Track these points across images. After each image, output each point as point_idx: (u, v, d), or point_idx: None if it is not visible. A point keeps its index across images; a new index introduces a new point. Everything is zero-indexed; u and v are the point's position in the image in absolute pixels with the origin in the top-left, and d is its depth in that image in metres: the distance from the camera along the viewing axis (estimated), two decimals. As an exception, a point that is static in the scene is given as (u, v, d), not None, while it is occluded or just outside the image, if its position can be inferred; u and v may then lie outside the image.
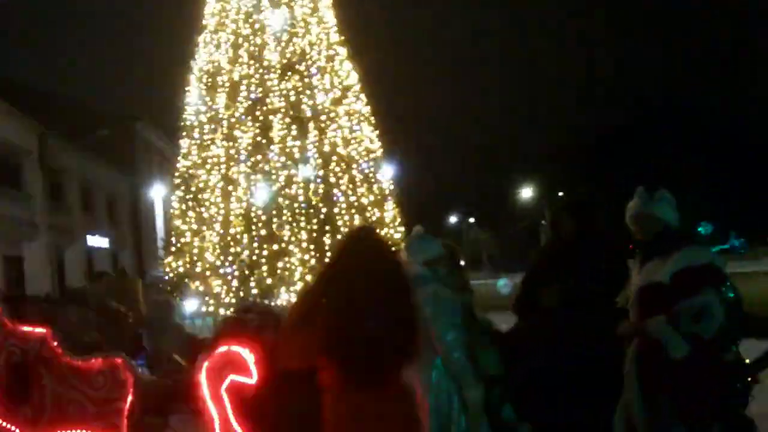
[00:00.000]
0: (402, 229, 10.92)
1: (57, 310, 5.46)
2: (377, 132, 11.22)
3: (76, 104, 27.26)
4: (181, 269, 9.83)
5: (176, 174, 10.43)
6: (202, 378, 4.16)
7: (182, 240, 9.94)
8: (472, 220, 59.84)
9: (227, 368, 4.14)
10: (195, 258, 9.72)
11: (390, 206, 10.81)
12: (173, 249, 10.13)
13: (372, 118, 11.22)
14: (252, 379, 4.07)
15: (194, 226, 9.85)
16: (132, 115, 29.79)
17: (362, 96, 11.15)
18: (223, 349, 4.16)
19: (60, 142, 23.81)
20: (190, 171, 10.12)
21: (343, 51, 10.97)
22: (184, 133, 10.46)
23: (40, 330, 5.04)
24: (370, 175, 10.52)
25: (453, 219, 59.43)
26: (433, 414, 3.51)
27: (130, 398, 4.58)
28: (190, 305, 9.34)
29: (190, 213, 9.91)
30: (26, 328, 5.08)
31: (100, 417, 4.69)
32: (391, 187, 11.07)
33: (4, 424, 5.17)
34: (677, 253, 3.15)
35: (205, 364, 4.24)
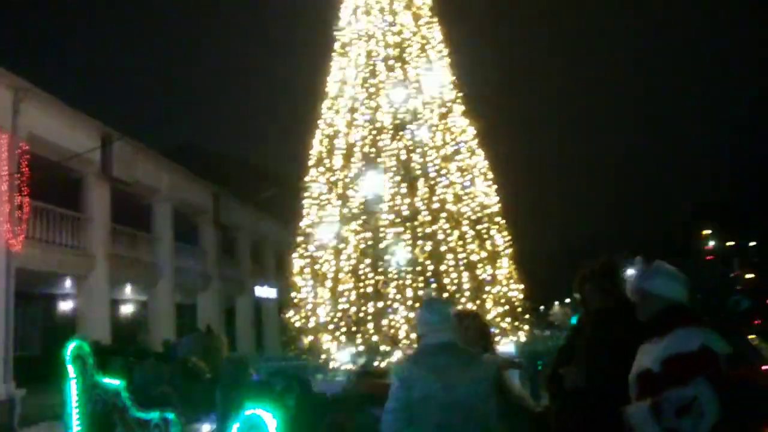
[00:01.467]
0: (517, 286, 10.49)
1: (136, 364, 5.98)
2: (494, 187, 11.01)
3: (246, 164, 29.98)
4: (297, 324, 10.25)
5: (298, 232, 11.00)
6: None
7: (299, 296, 10.39)
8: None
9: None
10: (309, 313, 10.09)
11: (505, 263, 10.44)
12: (293, 303, 10.61)
13: (488, 173, 11.06)
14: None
15: (309, 282, 10.26)
16: (295, 173, 31.98)
17: (478, 151, 11.06)
18: (251, 412, 4.33)
19: (232, 201, 26.24)
20: (309, 229, 10.62)
21: (458, 108, 11.01)
22: (307, 193, 11.05)
23: (117, 382, 5.58)
24: (483, 231, 10.29)
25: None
26: None
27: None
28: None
29: (307, 269, 10.36)
30: (107, 380, 5.65)
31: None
32: (507, 243, 10.72)
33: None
34: (669, 336, 2.70)
35: (236, 425, 4.42)
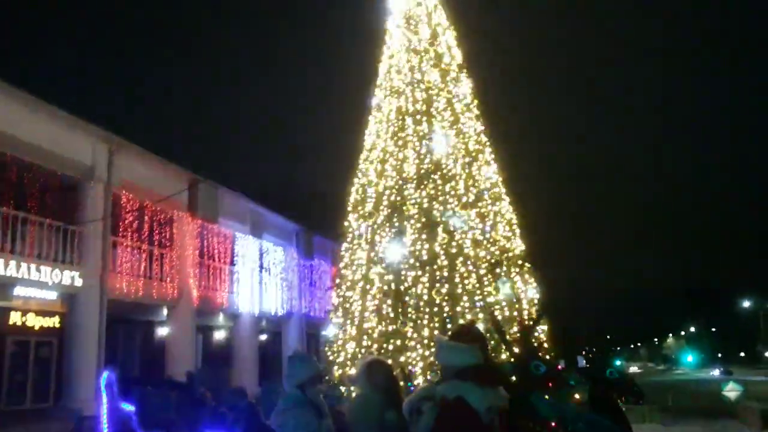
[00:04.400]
0: (541, 329, 10.89)
1: (149, 392, 7.17)
2: (517, 232, 11.52)
3: (323, 197, 31.51)
4: (330, 357, 11.21)
5: (335, 274, 12.02)
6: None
7: (333, 332, 11.37)
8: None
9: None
10: (339, 348, 11.03)
11: (524, 306, 10.90)
12: (330, 339, 11.60)
13: (512, 219, 11.59)
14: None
15: (341, 320, 11.23)
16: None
17: (504, 197, 11.65)
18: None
19: (311, 236, 27.87)
20: (343, 271, 11.62)
21: (482, 156, 11.68)
22: (346, 239, 12.05)
23: (130, 407, 6.78)
24: (502, 275, 10.83)
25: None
26: None
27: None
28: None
29: (340, 308, 11.34)
30: (124, 404, 6.87)
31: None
32: (530, 287, 11.16)
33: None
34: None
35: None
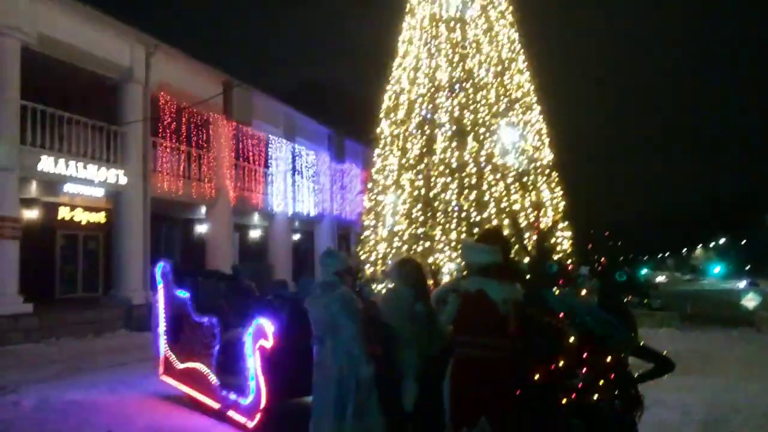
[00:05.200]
0: (562, 235, 11.33)
1: (201, 281, 7.89)
2: (546, 141, 11.73)
3: (360, 99, 31.54)
4: (363, 256, 11.86)
5: (368, 178, 12.47)
6: (248, 339, 6.08)
7: (365, 233, 11.96)
8: None
9: (258, 335, 6.01)
10: (370, 248, 11.65)
11: (549, 213, 11.28)
12: (361, 239, 12.21)
13: (542, 129, 11.77)
14: (269, 343, 5.87)
15: (372, 222, 11.78)
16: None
17: (535, 106, 11.77)
18: (257, 321, 6.02)
19: (343, 139, 28.18)
20: (375, 176, 12.05)
21: (514, 65, 11.70)
22: (378, 145, 12.38)
23: (185, 294, 7.51)
24: (529, 183, 11.15)
25: None
26: (336, 384, 4.76)
27: (217, 345, 6.75)
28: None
29: (371, 212, 11.87)
30: (180, 292, 7.60)
31: (205, 354, 6.97)
32: (556, 195, 11.50)
33: (170, 353, 7.81)
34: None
35: (248, 330, 6.15)
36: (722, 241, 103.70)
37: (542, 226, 9.63)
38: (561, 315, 4.16)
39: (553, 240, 11.15)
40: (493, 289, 3.86)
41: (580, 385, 3.98)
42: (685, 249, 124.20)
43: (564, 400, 4.00)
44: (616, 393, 4.15)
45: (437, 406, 4.25)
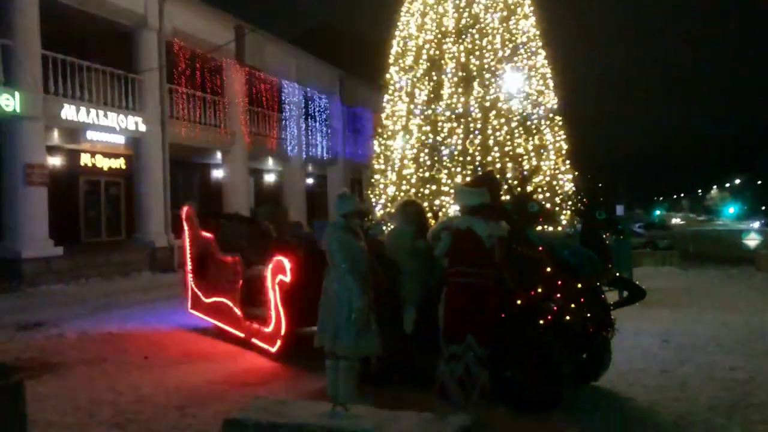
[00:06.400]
0: (564, 177, 11.80)
1: (223, 223, 8.53)
2: (550, 86, 12.04)
3: (370, 42, 31.59)
4: (372, 199, 12.44)
5: (377, 123, 12.90)
6: (268, 275, 6.74)
7: (375, 177, 12.49)
8: None
9: (277, 270, 6.65)
10: (380, 192, 12.20)
11: (551, 156, 11.71)
12: (371, 182, 12.75)
13: (547, 74, 12.07)
14: (287, 278, 6.52)
15: (382, 166, 12.30)
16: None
17: (540, 51, 12.04)
18: (276, 258, 6.66)
19: (356, 83, 28.35)
20: (385, 121, 12.48)
21: (520, 10, 11.91)
22: (387, 91, 12.75)
23: (210, 235, 8.16)
24: (532, 127, 11.55)
25: None
26: (335, 313, 5.36)
27: (240, 281, 7.43)
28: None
29: (381, 156, 12.37)
30: (205, 233, 8.25)
31: (230, 289, 7.67)
32: (558, 139, 11.89)
33: (196, 288, 8.53)
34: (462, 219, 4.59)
35: (269, 267, 6.80)
36: (737, 181, 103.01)
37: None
38: (539, 248, 4.74)
39: (546, 183, 11.62)
40: (479, 226, 4.43)
41: (555, 309, 4.60)
42: (701, 190, 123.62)
43: (541, 321, 4.62)
44: (588, 315, 4.77)
45: (434, 329, 4.88)
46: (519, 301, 4.62)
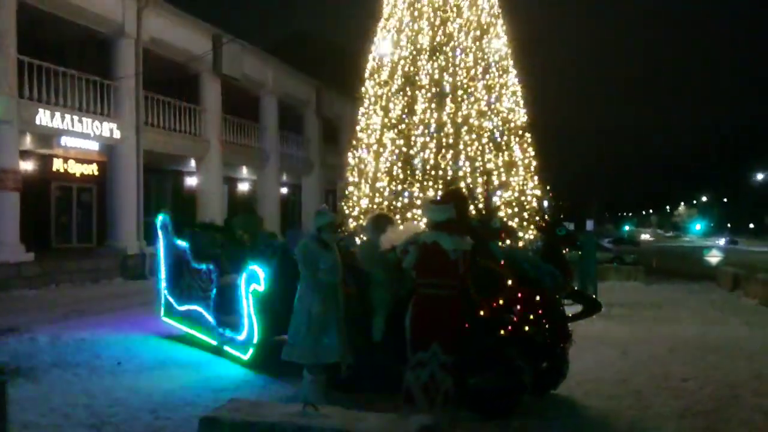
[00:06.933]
0: (532, 194, 12.16)
1: (197, 232, 8.68)
2: (521, 103, 12.43)
3: (347, 53, 31.90)
4: (346, 211, 12.66)
5: (353, 136, 13.15)
6: (241, 283, 6.90)
7: (349, 189, 12.72)
8: None
9: (251, 279, 6.81)
10: (354, 204, 12.43)
11: (521, 172, 12.08)
12: (345, 195, 12.97)
13: (517, 91, 12.46)
14: (260, 287, 6.68)
15: (356, 179, 12.53)
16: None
17: (511, 69, 12.44)
18: (249, 267, 6.84)
19: (332, 95, 28.60)
20: (360, 134, 12.73)
21: (493, 30, 12.30)
22: (363, 104, 13.00)
23: (184, 243, 8.29)
24: (502, 143, 11.90)
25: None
26: (298, 315, 5.55)
27: (214, 289, 7.56)
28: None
29: (355, 169, 12.61)
30: (179, 241, 8.37)
31: (202, 297, 7.79)
32: (527, 155, 12.27)
33: (170, 296, 8.61)
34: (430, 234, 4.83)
35: (242, 276, 6.96)
36: (704, 198, 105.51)
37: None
38: (502, 262, 5.02)
39: (515, 199, 11.97)
40: (444, 240, 4.69)
41: (516, 319, 4.87)
42: (668, 206, 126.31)
43: (503, 331, 4.89)
44: (547, 327, 5.06)
45: (402, 338, 5.12)
46: (482, 312, 4.89)
